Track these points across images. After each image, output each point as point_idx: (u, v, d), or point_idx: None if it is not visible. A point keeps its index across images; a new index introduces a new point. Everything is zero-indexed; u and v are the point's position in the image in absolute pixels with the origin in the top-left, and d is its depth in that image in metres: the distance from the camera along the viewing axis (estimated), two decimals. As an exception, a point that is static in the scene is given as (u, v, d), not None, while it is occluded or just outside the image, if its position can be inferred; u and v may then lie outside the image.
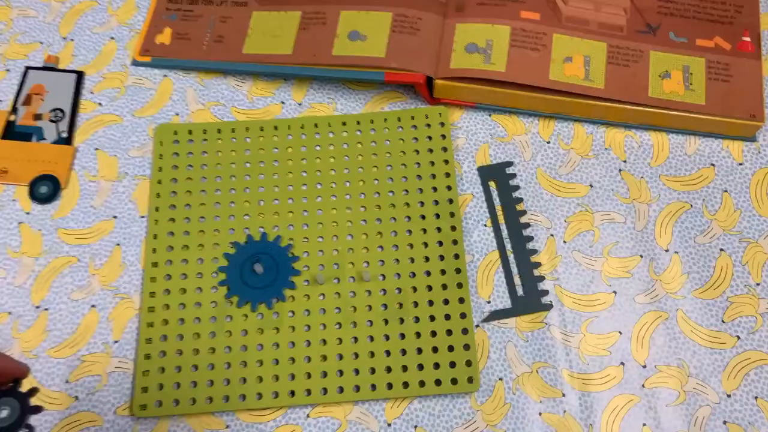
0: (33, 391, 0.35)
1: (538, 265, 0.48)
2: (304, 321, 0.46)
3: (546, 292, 0.47)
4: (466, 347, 0.45)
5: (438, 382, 0.44)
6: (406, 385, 0.44)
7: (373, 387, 0.44)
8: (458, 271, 0.47)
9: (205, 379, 0.44)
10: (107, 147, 0.53)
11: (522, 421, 0.44)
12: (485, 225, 0.50)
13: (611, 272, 0.48)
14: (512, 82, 0.51)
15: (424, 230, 0.48)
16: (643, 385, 0.44)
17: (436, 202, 0.49)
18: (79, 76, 0.55)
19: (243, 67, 0.54)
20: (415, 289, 0.47)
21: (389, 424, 0.44)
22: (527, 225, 0.49)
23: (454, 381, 0.44)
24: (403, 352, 0.45)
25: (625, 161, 0.51)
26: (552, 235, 0.49)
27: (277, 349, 0.45)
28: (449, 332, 0.45)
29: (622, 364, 0.45)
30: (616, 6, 0.54)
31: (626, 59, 0.52)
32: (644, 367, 0.45)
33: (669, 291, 0.47)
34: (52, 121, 0.53)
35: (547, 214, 0.50)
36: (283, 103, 0.55)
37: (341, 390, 0.44)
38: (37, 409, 0.34)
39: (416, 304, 0.46)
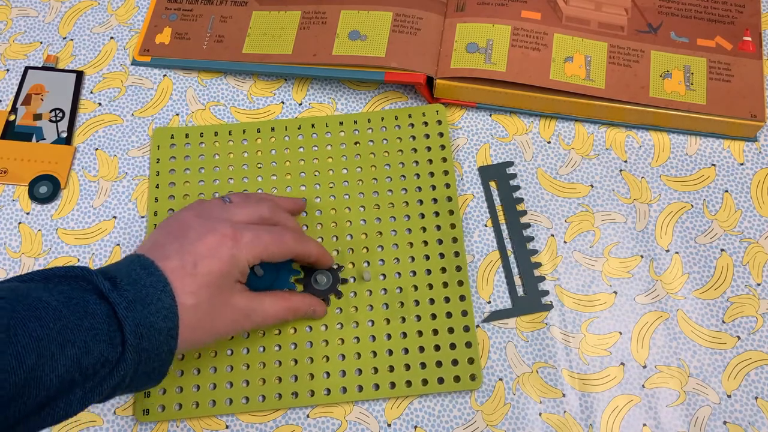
0: (341, 267, 0.47)
1: (538, 265, 0.48)
2: (306, 322, 0.46)
3: (546, 293, 0.47)
4: (468, 345, 0.45)
5: (441, 380, 0.44)
6: (408, 383, 0.44)
7: (376, 386, 0.44)
8: (458, 268, 0.47)
9: (207, 382, 0.44)
10: (107, 147, 0.53)
11: (522, 422, 0.44)
12: (486, 225, 0.50)
13: (612, 272, 0.48)
14: (513, 82, 0.51)
15: (424, 229, 0.48)
16: (643, 386, 0.44)
17: (435, 201, 0.49)
18: (79, 75, 0.55)
19: (243, 67, 0.54)
20: (416, 287, 0.47)
21: (389, 425, 0.44)
22: (528, 225, 0.49)
23: (456, 379, 0.44)
24: (405, 350, 0.45)
25: (625, 161, 0.51)
26: (552, 235, 0.49)
27: (279, 351, 0.45)
28: (451, 330, 0.45)
29: (623, 364, 0.45)
30: (617, 6, 0.54)
31: (627, 59, 0.52)
32: (644, 367, 0.45)
33: (669, 291, 0.47)
34: (51, 121, 0.53)
35: (548, 214, 0.50)
36: (283, 103, 0.55)
37: (344, 390, 0.44)
38: (344, 281, 0.47)
39: (417, 303, 0.46)
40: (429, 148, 0.51)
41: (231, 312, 0.40)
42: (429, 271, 0.47)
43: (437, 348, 0.45)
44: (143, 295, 0.36)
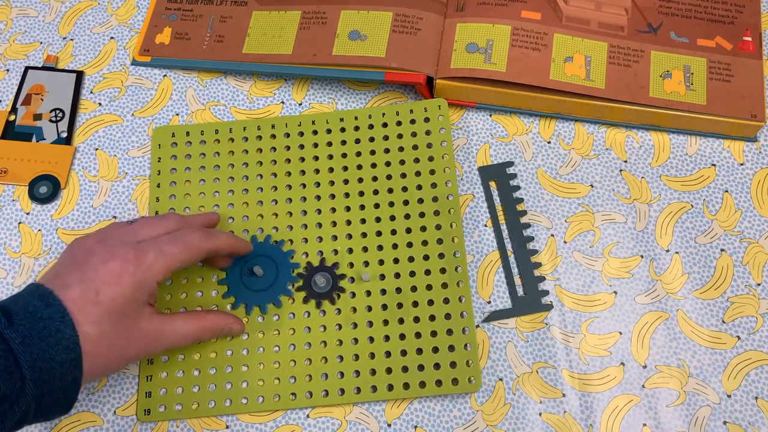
0: (340, 273, 0.47)
1: (538, 265, 0.48)
2: (304, 323, 0.46)
3: (546, 293, 0.47)
4: (467, 347, 0.45)
5: (439, 383, 0.44)
6: (406, 386, 0.44)
7: (374, 388, 0.44)
8: (458, 269, 0.47)
9: (208, 382, 0.44)
10: (107, 147, 0.53)
11: (522, 422, 0.44)
12: (486, 225, 0.50)
13: (612, 272, 0.48)
14: (513, 82, 0.51)
15: (424, 228, 0.48)
16: (643, 386, 0.44)
17: (435, 199, 0.49)
18: (79, 75, 0.55)
19: (243, 67, 0.54)
20: (414, 288, 0.46)
21: (389, 425, 0.44)
22: (528, 225, 0.49)
23: (454, 381, 0.44)
24: (404, 352, 0.45)
25: (625, 161, 0.51)
26: (552, 235, 0.49)
27: (278, 352, 0.45)
28: (449, 332, 0.45)
29: (623, 364, 0.45)
30: (617, 6, 0.54)
31: (627, 59, 0.52)
32: (644, 367, 0.45)
33: (669, 291, 0.47)
34: (51, 121, 0.53)
35: (548, 214, 0.50)
36: (283, 103, 0.55)
37: (342, 392, 0.44)
38: (342, 289, 0.46)
39: (416, 304, 0.46)
40: (430, 145, 0.51)
41: (139, 337, 0.39)
42: (428, 272, 0.47)
43: (435, 350, 0.45)
44: (40, 328, 0.35)
